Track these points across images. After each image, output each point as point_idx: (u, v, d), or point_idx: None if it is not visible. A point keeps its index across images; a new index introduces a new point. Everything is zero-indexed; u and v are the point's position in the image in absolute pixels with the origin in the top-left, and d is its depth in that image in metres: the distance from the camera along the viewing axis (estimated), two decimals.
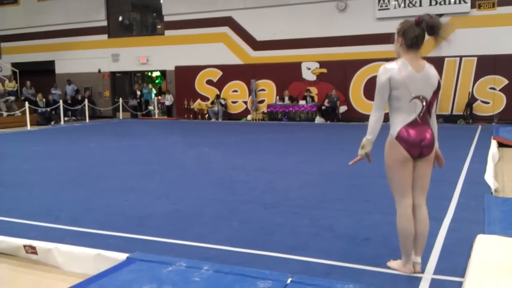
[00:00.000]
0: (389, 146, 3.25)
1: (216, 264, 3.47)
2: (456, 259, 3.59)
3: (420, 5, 15.92)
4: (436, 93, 3.26)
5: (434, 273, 3.35)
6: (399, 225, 3.28)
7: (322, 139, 12.37)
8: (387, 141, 3.28)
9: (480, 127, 14.00)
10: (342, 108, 17.26)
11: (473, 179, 6.54)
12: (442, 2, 15.77)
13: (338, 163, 8.23)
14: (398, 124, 3.20)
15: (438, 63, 15.66)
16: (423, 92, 3.18)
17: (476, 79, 15.61)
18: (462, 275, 3.25)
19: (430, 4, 15.81)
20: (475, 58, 15.52)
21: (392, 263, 3.48)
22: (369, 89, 16.90)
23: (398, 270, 3.39)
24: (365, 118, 16.87)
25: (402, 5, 16.21)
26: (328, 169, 7.63)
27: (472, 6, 15.46)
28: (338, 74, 17.27)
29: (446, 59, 15.80)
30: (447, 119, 15.66)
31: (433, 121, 3.32)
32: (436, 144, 3.34)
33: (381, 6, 16.48)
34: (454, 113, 15.87)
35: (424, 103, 3.18)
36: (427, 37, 3.29)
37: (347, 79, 17.24)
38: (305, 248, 3.91)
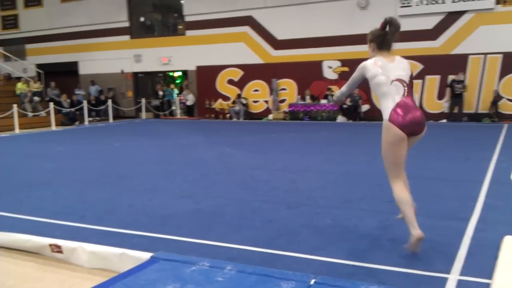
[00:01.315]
0: (385, 129, 3.56)
1: (239, 264, 3.46)
2: (483, 260, 3.53)
3: (443, 1, 15.68)
4: (411, 76, 3.69)
5: (461, 274, 3.30)
6: (399, 197, 3.59)
7: (344, 139, 12.29)
8: (383, 126, 3.58)
9: (506, 126, 13.75)
10: (364, 107, 17.11)
11: (500, 179, 6.42)
12: None
13: (360, 162, 8.17)
14: (388, 107, 3.55)
15: (462, 60, 15.49)
16: (400, 76, 3.59)
17: (501, 76, 15.32)
18: (489, 276, 3.19)
19: (453, 1, 15.57)
20: (501, 56, 15.22)
21: (408, 244, 3.59)
22: None
23: (413, 243, 3.50)
24: None
25: (425, 1, 15.98)
26: (351, 169, 7.57)
27: (497, 2, 15.17)
28: None
29: (470, 56, 15.57)
30: (472, 117, 15.42)
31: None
32: None
33: (403, 3, 16.29)
34: (479, 111, 15.62)
35: (404, 85, 3.57)
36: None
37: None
38: (329, 248, 3.88)
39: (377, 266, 3.49)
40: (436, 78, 16.14)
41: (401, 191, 3.60)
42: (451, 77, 15.66)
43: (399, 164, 3.60)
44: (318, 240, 4.11)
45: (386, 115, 3.53)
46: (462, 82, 15.23)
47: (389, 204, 5.23)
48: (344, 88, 3.98)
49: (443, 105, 15.83)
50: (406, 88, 3.56)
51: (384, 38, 3.69)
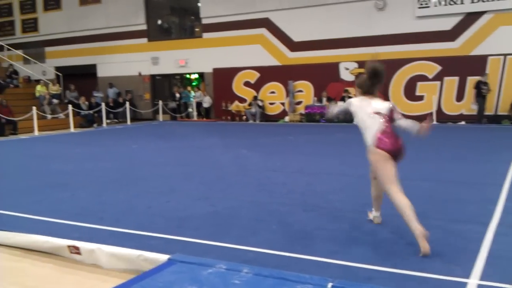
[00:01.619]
0: (371, 154, 4.17)
1: (256, 267, 3.46)
2: (503, 265, 3.47)
3: (462, 2, 15.50)
4: (391, 110, 4.20)
5: (481, 279, 3.24)
6: (399, 204, 3.93)
7: (361, 141, 12.19)
8: (369, 152, 4.19)
9: None
10: None
11: None
12: None
13: None
14: (370, 136, 4.14)
15: (481, 61, 15.28)
16: (378, 110, 4.16)
17: None
18: (511, 281, 3.13)
19: (472, 1, 15.38)
20: None
21: (420, 251, 3.70)
22: (410, 89, 16.59)
23: (421, 242, 3.68)
24: (406, 118, 16.54)
25: (443, 2, 15.81)
26: (367, 171, 7.50)
27: None
28: None
29: (489, 57, 15.36)
30: (491, 119, 15.20)
31: (404, 121, 4.24)
32: (413, 124, 4.23)
33: (421, 4, 16.15)
34: (498, 113, 15.40)
35: (382, 117, 4.13)
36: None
37: (386, 79, 16.93)
38: (346, 252, 3.85)
39: (395, 270, 3.45)
40: (455, 79, 15.96)
41: (399, 198, 3.96)
42: (470, 79, 15.47)
43: (392, 178, 4.03)
44: (335, 243, 4.08)
45: (369, 142, 4.17)
46: (487, 83, 14.97)
47: None
48: (335, 109, 4.72)
49: (472, 107, 15.46)
50: (384, 119, 4.13)
51: (370, 87, 4.28)
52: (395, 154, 4.05)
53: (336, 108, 4.71)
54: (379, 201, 4.55)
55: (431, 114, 4.24)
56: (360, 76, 4.46)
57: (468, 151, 9.41)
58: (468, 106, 15.68)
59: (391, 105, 4.25)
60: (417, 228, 3.73)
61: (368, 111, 4.18)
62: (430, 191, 5.90)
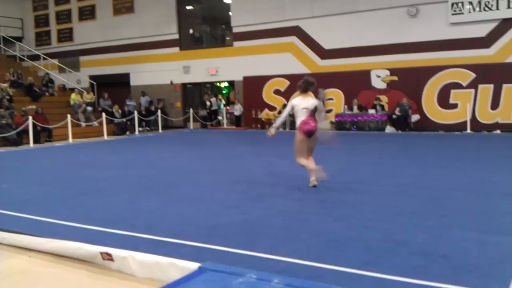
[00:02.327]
0: (297, 133, 6.69)
1: (287, 277, 3.42)
2: None
3: (497, 8, 15.18)
4: (316, 107, 6.69)
5: None
6: (302, 163, 6.76)
7: (393, 150, 12.04)
8: (296, 131, 6.74)
9: None
10: (414, 117, 16.74)
11: None
12: None
13: (411, 174, 7.97)
14: (298, 122, 6.67)
15: None
16: (306, 107, 6.62)
17: None
18: None
19: (509, 7, 15.04)
20: None
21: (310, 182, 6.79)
22: (444, 97, 16.31)
23: (313, 181, 6.76)
24: (440, 127, 16.27)
25: (477, 8, 15.51)
26: (401, 181, 7.40)
27: None
28: (410, 81, 16.79)
29: None
30: None
31: (321, 117, 6.86)
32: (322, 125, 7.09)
33: (454, 11, 15.89)
34: None
35: (308, 111, 6.62)
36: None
37: (419, 87, 16.73)
38: (379, 263, 3.77)
39: (429, 283, 3.36)
40: (490, 87, 15.61)
41: (302, 161, 6.73)
42: (505, 86, 15.09)
43: (302, 151, 6.69)
44: (367, 254, 4.01)
45: (297, 125, 6.68)
46: None
47: (442, 218, 5.08)
48: (280, 120, 7.28)
49: None
50: (309, 113, 6.61)
51: (304, 88, 6.71)
52: (309, 134, 6.59)
53: (281, 117, 7.14)
54: (311, 168, 6.72)
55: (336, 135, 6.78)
56: (300, 81, 6.75)
57: (503, 161, 9.16)
58: (504, 115, 15.30)
59: (317, 104, 6.71)
60: (312, 179, 6.74)
61: (301, 107, 6.63)
62: (465, 201, 5.76)
